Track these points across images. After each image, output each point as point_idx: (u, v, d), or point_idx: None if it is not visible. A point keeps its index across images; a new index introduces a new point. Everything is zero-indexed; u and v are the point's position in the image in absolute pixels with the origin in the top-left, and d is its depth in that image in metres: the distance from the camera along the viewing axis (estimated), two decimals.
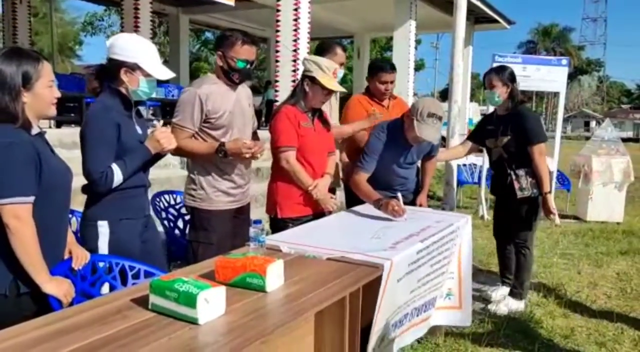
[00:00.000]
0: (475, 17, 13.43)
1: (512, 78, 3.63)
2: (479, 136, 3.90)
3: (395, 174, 3.38)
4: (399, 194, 3.10)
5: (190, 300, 1.48)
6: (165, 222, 3.58)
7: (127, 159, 2.24)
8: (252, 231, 2.03)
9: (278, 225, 3.00)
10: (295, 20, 8.06)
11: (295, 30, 8.08)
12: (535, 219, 3.69)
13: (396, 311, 2.35)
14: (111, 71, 2.27)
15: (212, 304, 1.52)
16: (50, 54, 18.34)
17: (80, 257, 2.10)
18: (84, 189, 2.32)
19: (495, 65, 6.88)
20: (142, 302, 1.60)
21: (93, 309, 1.58)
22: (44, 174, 1.88)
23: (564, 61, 7.14)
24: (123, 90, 2.29)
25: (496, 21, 13.90)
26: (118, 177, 2.21)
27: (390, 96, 3.90)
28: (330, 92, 2.98)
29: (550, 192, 3.61)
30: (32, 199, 1.82)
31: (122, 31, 11.68)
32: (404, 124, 3.20)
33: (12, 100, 1.82)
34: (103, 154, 2.20)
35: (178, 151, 2.66)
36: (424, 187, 3.59)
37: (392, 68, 3.82)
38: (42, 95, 1.90)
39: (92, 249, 2.26)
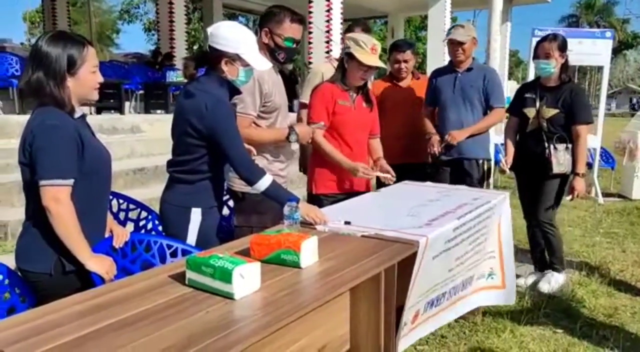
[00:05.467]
0: None
1: (566, 47, 3.49)
2: (517, 105, 3.68)
3: (449, 111, 3.67)
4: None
5: (225, 275, 1.50)
6: None
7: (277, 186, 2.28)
8: (287, 208, 2.04)
9: (313, 201, 2.99)
10: (328, 0, 7.98)
11: (327, 11, 8.02)
12: (561, 198, 3.58)
13: (432, 288, 2.33)
14: (212, 60, 2.26)
15: (247, 280, 1.53)
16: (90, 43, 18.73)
17: (120, 236, 2.15)
18: (169, 172, 2.35)
19: (534, 40, 6.74)
20: (179, 278, 1.63)
21: (133, 285, 1.61)
22: (86, 156, 1.92)
23: (608, 34, 6.83)
24: (230, 79, 2.26)
25: None
26: (266, 180, 2.22)
27: (414, 76, 3.90)
28: (369, 68, 2.92)
29: (583, 175, 3.48)
30: (71, 182, 1.86)
31: (157, 18, 11.84)
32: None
33: (56, 86, 1.85)
34: (242, 145, 2.23)
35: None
36: (468, 126, 3.61)
37: (407, 47, 3.76)
38: (85, 80, 1.93)
39: (177, 234, 2.27)
